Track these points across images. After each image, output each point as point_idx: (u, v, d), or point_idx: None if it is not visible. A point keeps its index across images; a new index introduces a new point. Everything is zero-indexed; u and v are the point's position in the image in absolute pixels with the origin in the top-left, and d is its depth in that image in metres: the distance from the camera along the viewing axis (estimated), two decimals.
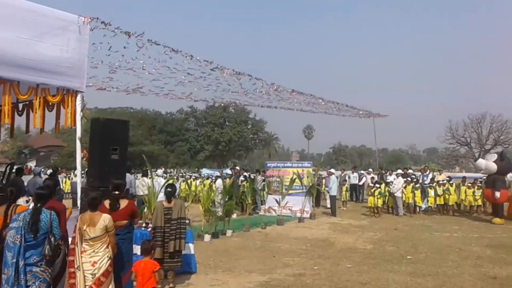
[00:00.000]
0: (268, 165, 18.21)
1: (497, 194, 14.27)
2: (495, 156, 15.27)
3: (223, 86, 13.12)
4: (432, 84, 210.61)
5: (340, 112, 31.14)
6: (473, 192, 16.57)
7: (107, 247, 4.88)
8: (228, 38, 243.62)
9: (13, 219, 4.56)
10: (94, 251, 4.80)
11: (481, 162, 15.55)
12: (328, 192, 16.73)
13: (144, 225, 8.00)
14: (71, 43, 7.18)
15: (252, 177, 17.61)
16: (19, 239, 4.43)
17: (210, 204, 12.04)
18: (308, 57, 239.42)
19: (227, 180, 14.95)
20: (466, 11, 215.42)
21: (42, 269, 4.57)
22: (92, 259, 4.78)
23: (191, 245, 7.65)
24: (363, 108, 31.89)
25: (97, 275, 4.77)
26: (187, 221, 7.34)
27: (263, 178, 17.16)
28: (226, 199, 12.66)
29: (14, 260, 4.38)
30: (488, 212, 16.14)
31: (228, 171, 20.90)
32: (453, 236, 11.68)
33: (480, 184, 16.77)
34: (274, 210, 15.37)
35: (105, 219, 4.86)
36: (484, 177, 16.90)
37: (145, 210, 9.75)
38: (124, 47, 9.06)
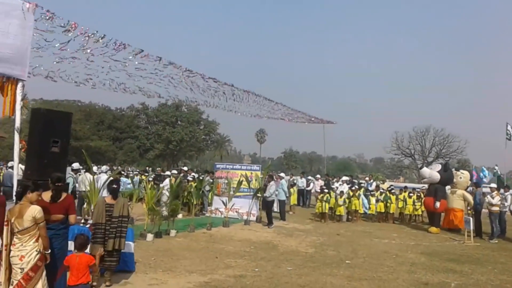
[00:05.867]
0: (217, 166, 18.16)
1: (437, 204, 14.76)
2: (439, 167, 15.90)
3: (174, 82, 12.91)
4: (381, 95, 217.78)
5: (293, 118, 31.67)
6: (413, 202, 17.30)
7: (36, 240, 4.69)
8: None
9: None
10: (22, 244, 4.60)
11: (425, 170, 16.07)
12: (276, 196, 16.70)
13: (83, 221, 7.74)
14: (13, 28, 6.76)
15: (201, 178, 17.47)
16: None
17: (155, 204, 11.86)
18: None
19: (173, 180, 14.74)
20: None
21: None
22: (20, 253, 4.58)
23: (131, 243, 7.48)
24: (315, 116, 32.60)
25: (25, 270, 4.57)
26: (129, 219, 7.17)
27: (211, 179, 17.07)
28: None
29: None
30: (425, 222, 16.87)
31: (174, 171, 20.60)
32: (391, 243, 12.13)
33: (419, 194, 17.52)
34: (221, 212, 15.32)
35: (33, 210, 4.66)
36: (424, 187, 17.71)
37: (85, 205, 9.42)
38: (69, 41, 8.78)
